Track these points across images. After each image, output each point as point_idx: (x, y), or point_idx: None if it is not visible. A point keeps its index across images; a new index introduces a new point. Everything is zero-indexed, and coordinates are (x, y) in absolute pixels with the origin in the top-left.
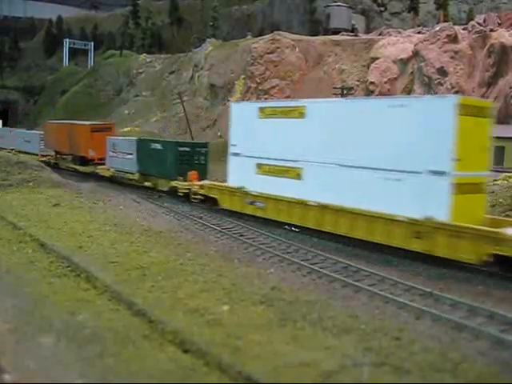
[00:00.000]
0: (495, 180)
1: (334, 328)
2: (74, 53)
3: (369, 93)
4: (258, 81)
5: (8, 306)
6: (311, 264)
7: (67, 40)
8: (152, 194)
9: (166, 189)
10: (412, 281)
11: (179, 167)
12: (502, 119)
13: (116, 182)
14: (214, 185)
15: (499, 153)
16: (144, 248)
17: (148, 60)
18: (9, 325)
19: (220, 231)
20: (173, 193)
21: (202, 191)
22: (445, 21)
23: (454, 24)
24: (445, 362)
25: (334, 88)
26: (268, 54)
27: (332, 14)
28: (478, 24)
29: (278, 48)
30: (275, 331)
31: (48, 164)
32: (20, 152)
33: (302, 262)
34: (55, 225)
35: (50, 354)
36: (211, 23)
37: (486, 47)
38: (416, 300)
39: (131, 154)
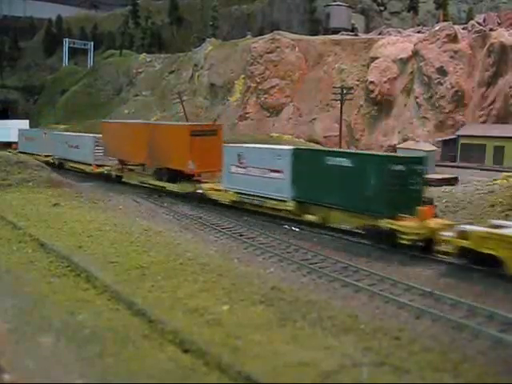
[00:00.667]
0: (495, 180)
1: (333, 328)
2: (73, 52)
3: (368, 92)
4: (258, 80)
5: (8, 306)
6: (311, 264)
7: (67, 39)
8: (151, 193)
9: (349, 227)
10: (412, 280)
11: (390, 197)
12: (502, 119)
13: (111, 180)
14: (497, 234)
15: (499, 152)
16: (144, 248)
17: (148, 59)
18: (8, 324)
19: (219, 231)
20: (366, 235)
21: (463, 242)
22: (444, 20)
23: (454, 23)
24: (445, 361)
25: (334, 87)
26: (268, 53)
27: (332, 13)
28: (478, 23)
29: (277, 48)
30: (275, 331)
31: (108, 177)
32: (64, 161)
33: (302, 262)
34: (55, 224)
35: (50, 353)
36: (211, 23)
37: (486, 47)
38: (416, 300)
39: (279, 171)
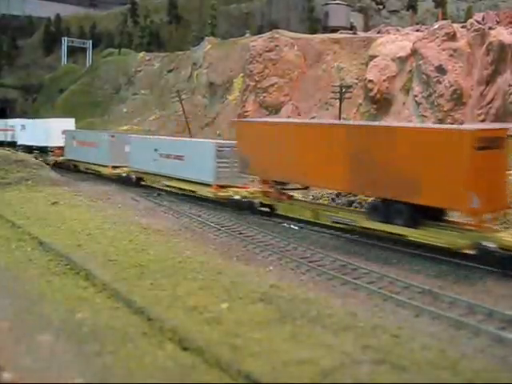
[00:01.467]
0: None
1: (332, 326)
2: (72, 51)
3: (367, 91)
4: (257, 79)
5: (7, 304)
6: (310, 262)
7: (65, 38)
8: (151, 192)
9: None
10: (411, 278)
11: None
12: (500, 117)
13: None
14: None
15: None
16: (143, 246)
17: (147, 58)
18: (7, 323)
19: (219, 229)
20: None
21: None
22: (443, 19)
23: (453, 22)
24: (444, 359)
25: (333, 86)
26: (267, 52)
27: (330, 12)
28: (477, 22)
29: (276, 46)
30: (274, 329)
31: (245, 206)
32: (146, 175)
33: (301, 260)
34: (54, 223)
35: (49, 352)
36: (209, 21)
37: (485, 45)
38: (415, 298)
39: None
